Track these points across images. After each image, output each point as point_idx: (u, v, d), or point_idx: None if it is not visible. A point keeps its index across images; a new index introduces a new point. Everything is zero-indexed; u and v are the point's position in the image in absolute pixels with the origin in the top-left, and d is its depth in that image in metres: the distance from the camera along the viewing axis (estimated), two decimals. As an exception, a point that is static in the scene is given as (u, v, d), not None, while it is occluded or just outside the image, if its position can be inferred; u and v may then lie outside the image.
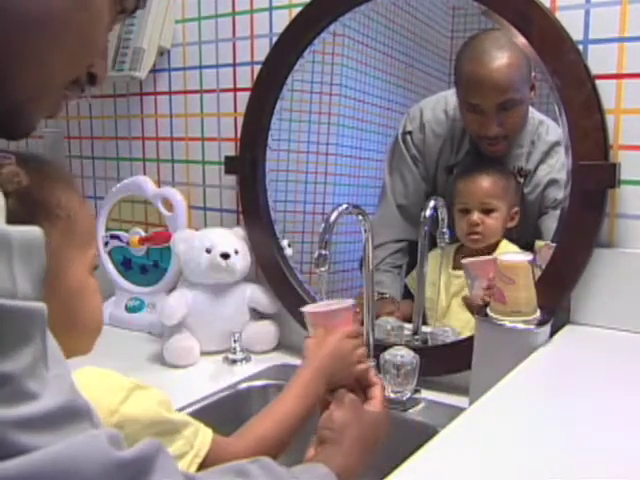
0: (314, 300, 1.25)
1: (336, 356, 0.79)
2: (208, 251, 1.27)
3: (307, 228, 1.40)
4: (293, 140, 1.38)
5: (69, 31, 0.53)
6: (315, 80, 1.36)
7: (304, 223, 1.41)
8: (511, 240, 1.20)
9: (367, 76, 1.41)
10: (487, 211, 1.19)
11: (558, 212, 1.07)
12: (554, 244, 1.03)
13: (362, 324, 1.11)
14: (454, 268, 1.25)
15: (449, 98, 1.28)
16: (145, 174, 1.55)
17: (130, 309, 1.49)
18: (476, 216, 1.19)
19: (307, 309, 0.86)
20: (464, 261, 1.19)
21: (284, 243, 1.31)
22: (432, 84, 1.36)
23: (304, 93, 1.36)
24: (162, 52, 1.46)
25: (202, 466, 0.61)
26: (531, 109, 1.19)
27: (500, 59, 1.12)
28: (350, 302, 0.87)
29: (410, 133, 1.31)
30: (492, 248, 1.19)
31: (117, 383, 0.58)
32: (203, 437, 0.62)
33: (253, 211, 1.33)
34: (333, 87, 1.39)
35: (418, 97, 1.35)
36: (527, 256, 0.94)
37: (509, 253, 0.98)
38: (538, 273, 1.01)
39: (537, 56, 1.00)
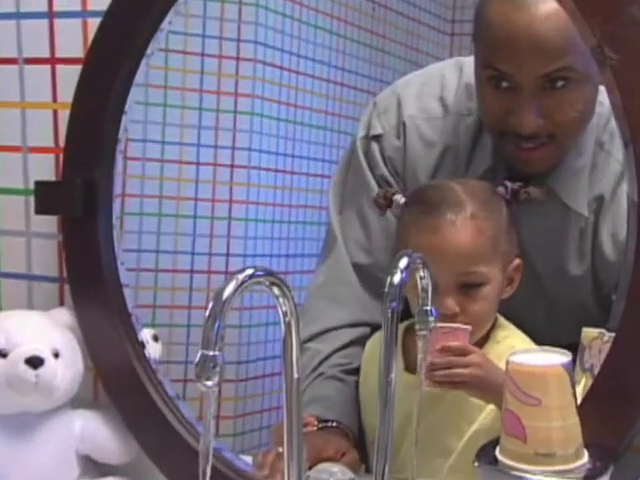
0: (196, 437, 0.94)
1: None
2: (3, 355, 1.01)
3: (185, 300, 1.11)
4: (170, 142, 1.09)
5: None
6: (209, 34, 1.08)
7: (183, 291, 1.12)
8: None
9: (302, 26, 1.12)
10: (470, 287, 0.93)
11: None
12: (612, 334, 0.85)
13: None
14: (406, 368, 0.94)
15: (448, 76, 1.01)
16: None
17: None
18: (451, 302, 0.92)
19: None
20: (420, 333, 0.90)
21: (146, 334, 1.02)
22: (419, 45, 1.15)
23: (190, 57, 1.07)
24: None
25: None
26: (601, 90, 0.90)
27: (550, 2, 0.86)
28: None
29: (378, 138, 1.04)
30: (483, 340, 0.94)
31: None
32: None
33: (89, 278, 1.04)
34: (242, 47, 1.10)
35: (391, 71, 1.14)
36: (561, 357, 0.74)
37: (528, 352, 0.76)
38: (588, 383, 0.85)
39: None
